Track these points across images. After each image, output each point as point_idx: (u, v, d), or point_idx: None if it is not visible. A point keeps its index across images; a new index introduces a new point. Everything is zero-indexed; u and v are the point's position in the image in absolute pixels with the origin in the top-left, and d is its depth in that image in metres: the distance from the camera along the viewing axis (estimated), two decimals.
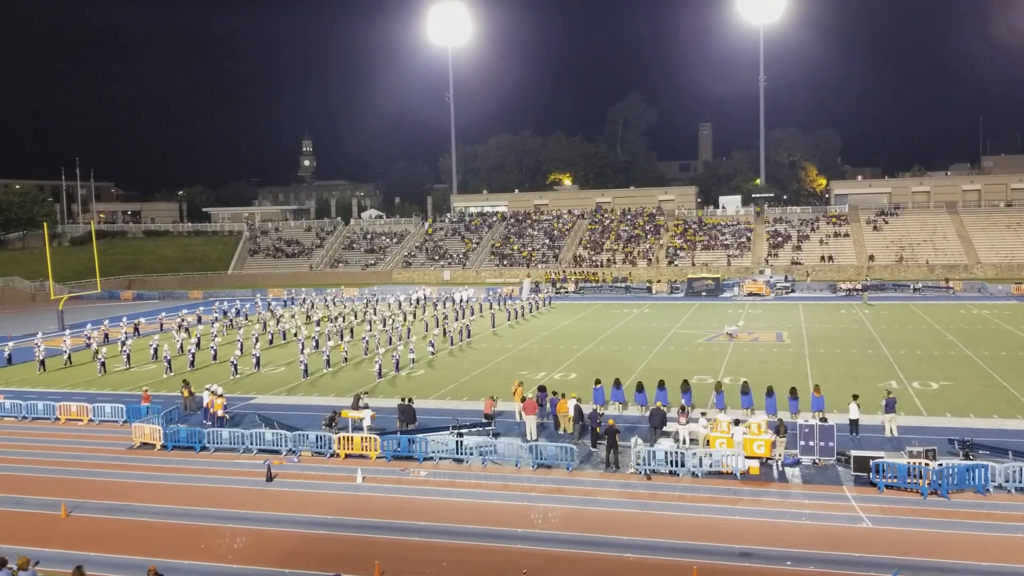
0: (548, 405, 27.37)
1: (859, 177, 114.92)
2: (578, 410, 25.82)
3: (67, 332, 48.24)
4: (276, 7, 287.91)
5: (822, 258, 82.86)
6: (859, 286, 66.94)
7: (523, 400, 26.84)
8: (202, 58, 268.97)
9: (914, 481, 20.17)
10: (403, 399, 27.56)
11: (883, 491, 20.28)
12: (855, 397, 25.80)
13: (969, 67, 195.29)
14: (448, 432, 24.87)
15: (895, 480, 20.37)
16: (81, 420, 30.02)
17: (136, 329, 52.18)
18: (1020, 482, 20.16)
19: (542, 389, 28.78)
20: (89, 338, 47.15)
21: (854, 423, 25.11)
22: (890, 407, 25.31)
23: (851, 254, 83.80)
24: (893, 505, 19.54)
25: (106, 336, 49.01)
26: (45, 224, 74.19)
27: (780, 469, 22.31)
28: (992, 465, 20.44)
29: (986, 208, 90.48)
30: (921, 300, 62.60)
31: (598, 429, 24.51)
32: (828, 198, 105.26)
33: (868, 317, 52.71)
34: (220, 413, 27.86)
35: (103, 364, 39.67)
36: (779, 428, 23.38)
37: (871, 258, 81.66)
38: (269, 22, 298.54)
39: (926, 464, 20.32)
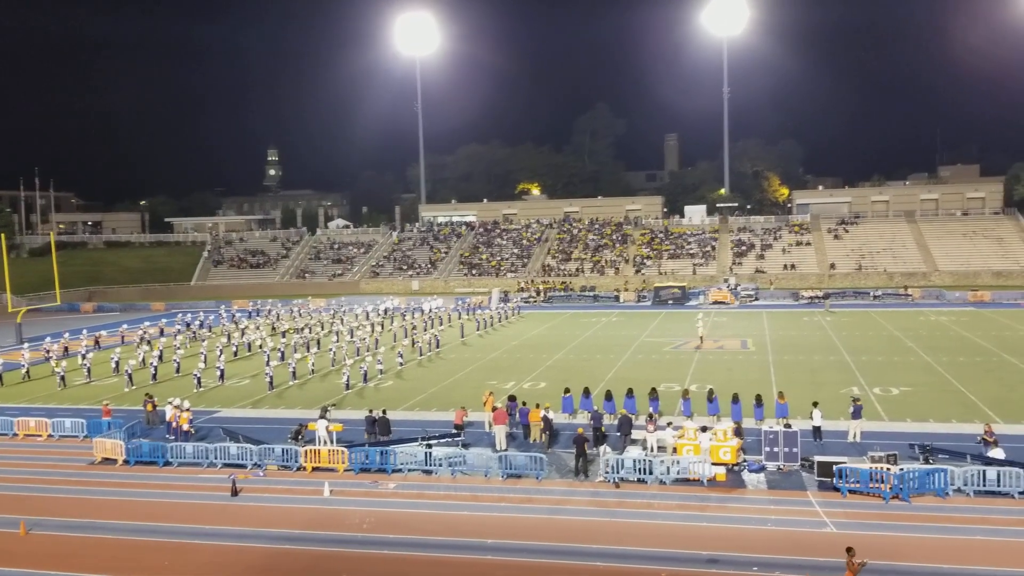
0: (518, 415, 27.41)
1: (820, 187, 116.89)
2: (547, 420, 25.91)
3: (26, 345, 47.31)
4: (241, 16, 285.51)
5: (785, 266, 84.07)
6: (821, 294, 68.03)
7: (494, 410, 26.84)
8: (166, 67, 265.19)
9: (876, 486, 20.52)
10: (371, 411, 27.42)
11: (846, 496, 20.61)
12: (815, 404, 26.17)
13: (926, 79, 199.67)
14: (417, 443, 24.79)
15: (858, 485, 20.71)
16: (40, 435, 29.40)
17: (97, 342, 51.26)
18: (978, 485, 20.61)
19: (512, 399, 28.81)
20: (48, 351, 46.24)
21: (817, 430, 25.48)
22: (857, 414, 25.72)
23: (813, 262, 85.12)
24: (856, 509, 19.86)
25: (66, 349, 48.05)
26: (3, 235, 72.41)
27: (740, 472, 22.67)
28: (951, 469, 20.89)
29: (943, 217, 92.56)
30: (881, 307, 63.74)
31: (602, 429, 25.36)
32: (790, 207, 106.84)
33: (830, 324, 53.55)
34: (186, 427, 27.49)
35: (63, 378, 38.90)
36: (738, 431, 23.78)
37: (832, 266, 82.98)
38: (234, 31, 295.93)
39: (888, 469, 20.69)
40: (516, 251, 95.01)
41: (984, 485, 20.59)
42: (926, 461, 22.18)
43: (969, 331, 48.74)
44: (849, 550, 14.78)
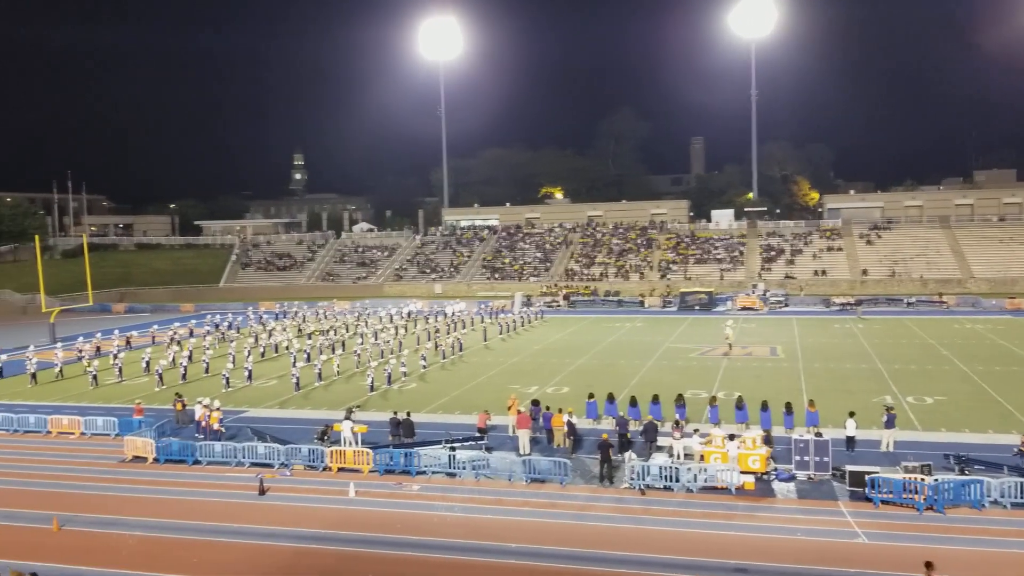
0: (541, 419, 27.30)
1: (851, 191, 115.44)
2: (570, 425, 25.77)
3: (59, 345, 47.94)
4: (267, 22, 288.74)
5: (815, 272, 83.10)
6: (853, 300, 67.17)
7: (518, 414, 26.74)
8: (194, 73, 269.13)
9: (910, 496, 20.15)
10: (395, 413, 27.45)
11: (879, 506, 20.26)
12: (851, 414, 25.72)
13: (961, 81, 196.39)
14: (441, 446, 24.76)
15: (891, 495, 20.35)
16: (73, 433, 29.79)
17: (128, 342, 51.91)
18: (1015, 497, 20.16)
19: (535, 403, 28.71)
20: (81, 351, 46.85)
21: (850, 440, 25.07)
22: (890, 423, 25.28)
23: (844, 268, 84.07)
24: (889, 520, 19.51)
25: (98, 349, 48.68)
26: (37, 237, 73.76)
27: (769, 480, 22.40)
28: (987, 480, 20.46)
29: (979, 223, 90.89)
30: (915, 315, 62.76)
31: (628, 436, 25.18)
32: (821, 212, 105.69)
33: (862, 331, 52.82)
34: (216, 426, 27.72)
35: (95, 377, 39.43)
36: (767, 439, 23.54)
37: (864, 272, 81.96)
38: (261, 37, 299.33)
39: (921, 479, 20.31)
40: (539, 255, 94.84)
41: (1021, 497, 20.13)
42: (961, 472, 21.73)
43: (1006, 339, 47.79)
44: (928, 564, 14.28)
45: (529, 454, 24.83)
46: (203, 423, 27.96)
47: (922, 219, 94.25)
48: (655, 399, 28.13)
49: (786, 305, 69.39)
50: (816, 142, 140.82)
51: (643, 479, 22.17)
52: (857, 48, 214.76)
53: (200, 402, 28.99)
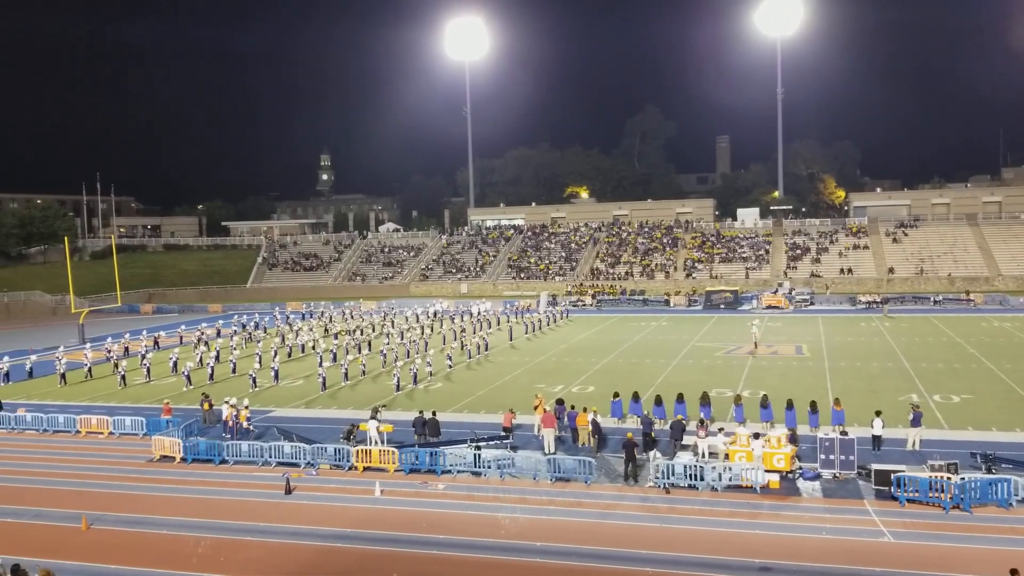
0: (566, 418, 27.32)
1: (878, 189, 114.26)
2: (595, 424, 25.77)
3: (88, 346, 48.69)
4: (294, 23, 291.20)
5: (841, 271, 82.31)
6: (879, 299, 66.48)
7: (543, 412, 26.77)
8: (221, 74, 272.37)
9: (936, 495, 19.94)
10: (420, 412, 27.59)
11: (904, 505, 20.07)
12: (878, 413, 25.47)
13: (988, 78, 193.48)
14: (466, 445, 24.87)
15: (917, 494, 20.15)
16: (101, 433, 30.25)
17: (156, 342, 52.59)
18: None
19: (560, 402, 28.73)
20: (109, 351, 47.55)
21: (877, 439, 24.83)
22: (916, 421, 25.04)
23: (871, 266, 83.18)
24: (915, 519, 19.32)
25: (126, 349, 49.39)
26: (66, 238, 74.84)
27: (794, 479, 22.27)
28: (1015, 479, 20.19)
29: (1007, 220, 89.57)
30: (942, 313, 62.00)
31: (652, 435, 25.22)
32: (847, 210, 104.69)
33: (888, 330, 52.27)
34: (245, 424, 28.06)
35: (123, 377, 40.01)
36: (792, 438, 23.41)
37: (891, 270, 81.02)
38: (287, 38, 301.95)
39: (948, 478, 20.10)
40: (564, 255, 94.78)
41: None
42: (988, 471, 21.48)
43: None
44: (1014, 572, 13.92)
45: (554, 453, 24.86)
46: (230, 423, 28.29)
47: (949, 217, 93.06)
48: (680, 398, 28.05)
49: (812, 303, 68.85)
50: (843, 140, 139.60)
51: (668, 478, 22.13)
52: (884, 46, 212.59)
53: (227, 402, 29.33)
